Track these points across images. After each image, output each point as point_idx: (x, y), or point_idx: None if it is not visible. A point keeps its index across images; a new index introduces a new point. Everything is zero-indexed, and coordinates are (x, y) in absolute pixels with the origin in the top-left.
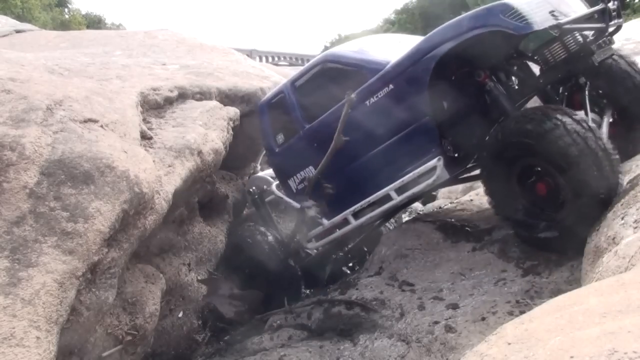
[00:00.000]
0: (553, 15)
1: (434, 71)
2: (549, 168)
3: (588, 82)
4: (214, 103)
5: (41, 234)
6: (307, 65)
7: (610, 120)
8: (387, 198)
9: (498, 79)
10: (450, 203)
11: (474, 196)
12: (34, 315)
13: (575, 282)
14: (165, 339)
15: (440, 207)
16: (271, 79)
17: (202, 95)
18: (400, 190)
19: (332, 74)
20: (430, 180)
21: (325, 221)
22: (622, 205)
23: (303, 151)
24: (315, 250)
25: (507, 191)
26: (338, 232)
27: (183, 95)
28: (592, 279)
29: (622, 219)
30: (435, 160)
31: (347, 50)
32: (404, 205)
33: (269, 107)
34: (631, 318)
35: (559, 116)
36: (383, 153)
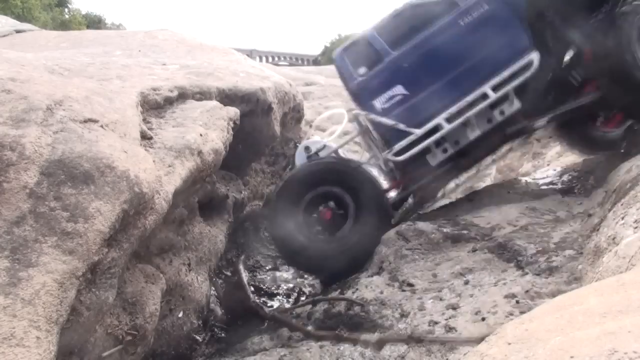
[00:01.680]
0: None
1: None
2: None
3: None
4: (214, 103)
5: (41, 234)
6: (391, 12)
7: None
8: (484, 97)
9: None
10: (450, 203)
11: (473, 196)
12: (34, 315)
13: (575, 282)
14: (165, 339)
15: (440, 207)
16: (271, 79)
17: (202, 95)
18: (496, 88)
19: (417, 12)
20: (528, 73)
21: (415, 130)
22: (622, 205)
23: (389, 74)
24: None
25: None
26: (430, 139)
27: (183, 95)
28: (592, 279)
29: (622, 219)
30: (533, 53)
31: None
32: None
33: (345, 52)
34: (631, 318)
35: None
36: (482, 62)
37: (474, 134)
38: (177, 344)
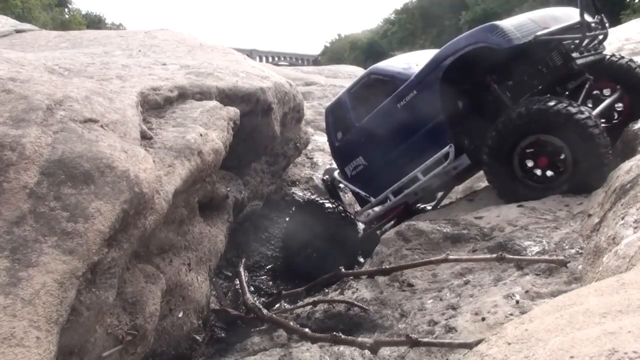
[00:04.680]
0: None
1: (446, 78)
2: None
3: (591, 78)
4: (214, 103)
5: (41, 234)
6: (358, 76)
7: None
8: (416, 179)
9: (504, 82)
10: (450, 203)
11: (473, 196)
12: (34, 315)
13: (575, 282)
14: (165, 339)
15: (440, 207)
16: (271, 79)
17: (202, 95)
18: (425, 172)
19: (374, 83)
20: (446, 163)
21: (372, 199)
22: (622, 205)
23: (354, 144)
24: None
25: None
26: (382, 207)
27: (183, 95)
28: (592, 279)
29: (622, 219)
30: (447, 147)
31: (385, 64)
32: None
33: (331, 111)
34: (631, 318)
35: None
36: (413, 144)
37: (436, 182)
38: (177, 344)
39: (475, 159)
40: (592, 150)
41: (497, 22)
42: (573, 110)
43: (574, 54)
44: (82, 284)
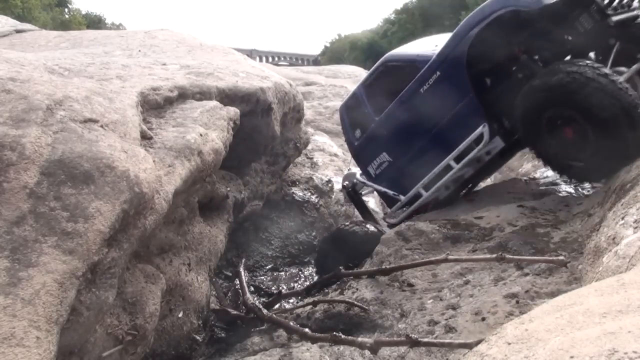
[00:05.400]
0: None
1: (472, 53)
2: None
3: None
4: (214, 103)
5: (41, 234)
6: (372, 67)
7: None
8: (449, 167)
9: (533, 52)
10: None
11: (473, 196)
12: (34, 315)
13: (575, 282)
14: (165, 339)
15: (440, 207)
16: (271, 79)
17: (202, 95)
18: (458, 159)
19: (391, 72)
20: (481, 145)
21: (401, 197)
22: (622, 205)
23: (376, 140)
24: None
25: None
26: (414, 205)
27: (183, 95)
28: (592, 279)
29: (622, 219)
30: (481, 127)
31: (401, 49)
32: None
33: (346, 108)
34: (631, 318)
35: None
36: (442, 130)
37: (469, 173)
38: (177, 344)
39: (508, 140)
40: (616, 134)
41: None
42: (595, 84)
43: (609, 11)
44: (82, 284)
